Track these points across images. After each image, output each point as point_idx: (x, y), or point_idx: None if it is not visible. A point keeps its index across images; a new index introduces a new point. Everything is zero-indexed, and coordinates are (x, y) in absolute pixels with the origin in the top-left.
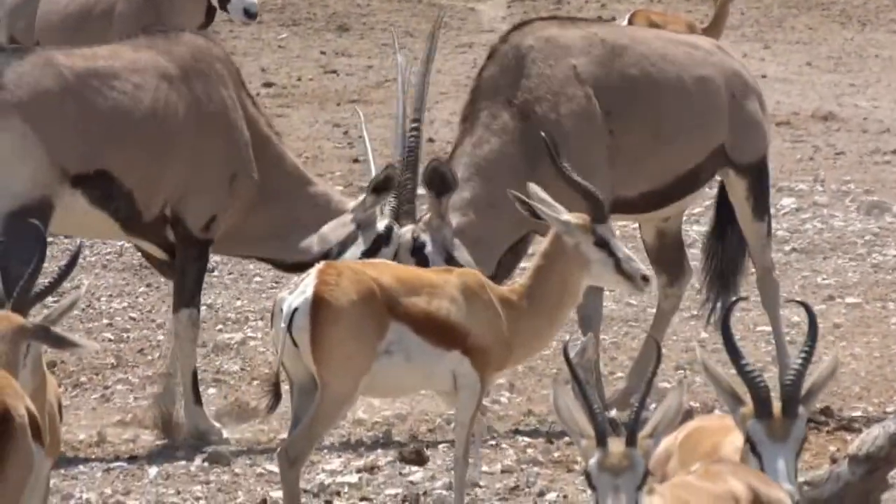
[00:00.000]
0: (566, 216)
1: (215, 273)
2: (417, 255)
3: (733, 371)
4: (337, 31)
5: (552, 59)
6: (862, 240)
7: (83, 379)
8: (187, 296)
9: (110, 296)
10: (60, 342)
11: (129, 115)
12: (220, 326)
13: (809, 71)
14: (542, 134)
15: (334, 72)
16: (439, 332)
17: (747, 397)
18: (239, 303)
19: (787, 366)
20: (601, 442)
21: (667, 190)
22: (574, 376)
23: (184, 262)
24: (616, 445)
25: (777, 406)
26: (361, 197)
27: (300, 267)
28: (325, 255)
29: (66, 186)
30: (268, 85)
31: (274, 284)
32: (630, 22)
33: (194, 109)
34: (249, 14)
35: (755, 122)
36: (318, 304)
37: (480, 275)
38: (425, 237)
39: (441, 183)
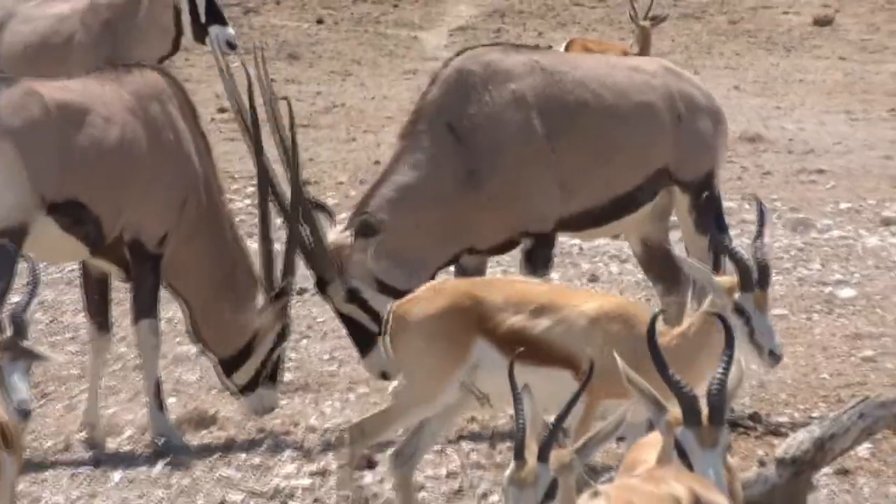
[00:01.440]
0: (716, 279)
1: None
2: (354, 299)
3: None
4: (287, 59)
5: (493, 84)
6: (788, 255)
7: (49, 389)
8: (146, 307)
9: (74, 310)
10: (28, 355)
11: (98, 147)
12: (178, 339)
13: (737, 95)
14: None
15: (284, 98)
16: (536, 353)
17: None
18: None
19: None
20: (518, 456)
21: (604, 209)
22: (515, 395)
23: (140, 277)
24: (530, 460)
25: (704, 414)
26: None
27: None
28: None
29: (41, 213)
30: (221, 111)
31: None
32: (566, 49)
33: (152, 140)
34: (231, 45)
35: (701, 142)
36: (396, 317)
37: (633, 308)
38: (355, 283)
39: (368, 230)
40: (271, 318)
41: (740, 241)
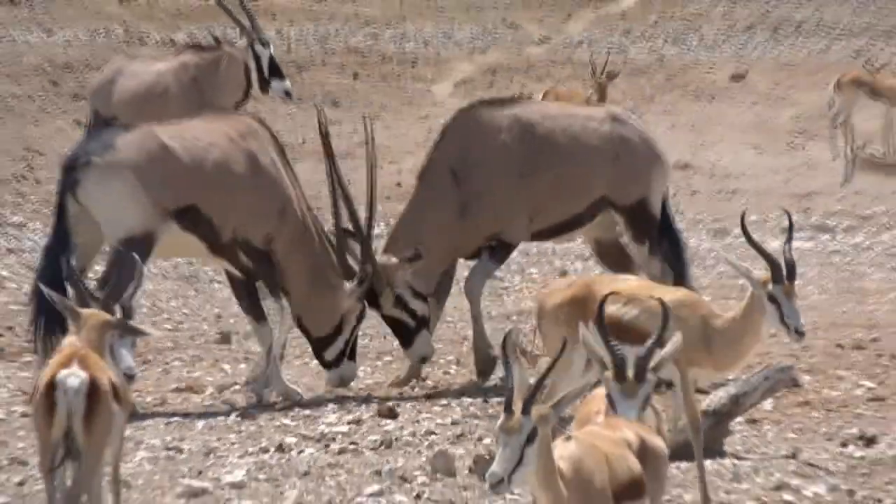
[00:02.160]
0: (755, 275)
1: None
2: (399, 304)
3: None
4: (331, 105)
5: (485, 137)
6: (711, 255)
7: (149, 357)
8: (270, 289)
9: (168, 298)
10: (133, 331)
11: (205, 164)
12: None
13: (672, 133)
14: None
15: (325, 134)
16: (624, 333)
17: None
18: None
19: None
20: (507, 409)
21: (557, 228)
22: (506, 361)
23: (260, 271)
24: (517, 413)
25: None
26: (350, 284)
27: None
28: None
29: (165, 221)
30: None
31: None
32: (543, 97)
33: (249, 163)
34: (288, 94)
35: (634, 175)
36: (538, 303)
37: (699, 299)
38: (399, 292)
39: (418, 258)
40: (353, 301)
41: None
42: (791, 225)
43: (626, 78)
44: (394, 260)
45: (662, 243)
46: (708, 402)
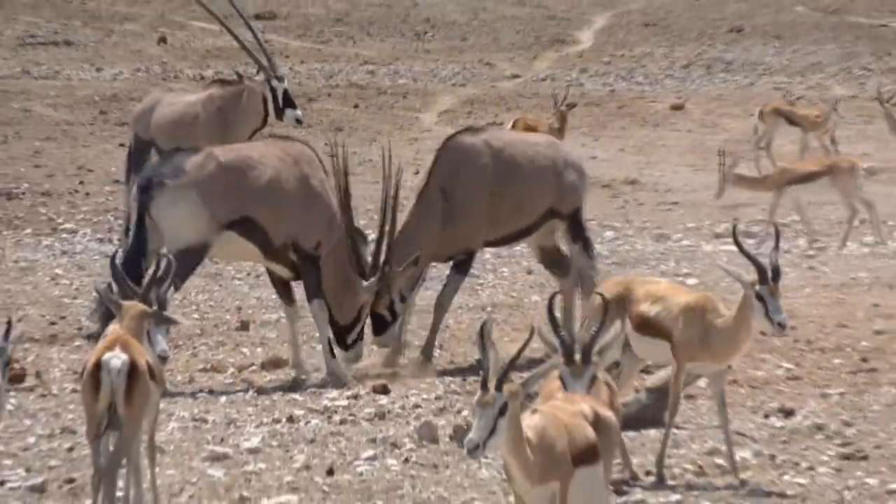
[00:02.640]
0: (745, 278)
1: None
2: (390, 307)
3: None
4: (334, 130)
5: (469, 160)
6: (654, 258)
7: (180, 343)
8: (314, 290)
9: (196, 292)
10: (168, 320)
11: (259, 182)
12: (263, 311)
13: (622, 154)
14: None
15: (333, 156)
16: (646, 327)
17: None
18: (275, 295)
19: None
20: (482, 386)
21: (514, 235)
22: (482, 346)
23: (306, 271)
24: (491, 389)
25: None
26: (367, 282)
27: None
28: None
29: (222, 231)
30: None
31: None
32: (513, 125)
33: (301, 181)
34: (299, 121)
35: (572, 188)
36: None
37: (712, 300)
38: (394, 295)
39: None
40: (368, 295)
41: (623, 248)
42: (777, 235)
43: (583, 108)
44: (397, 269)
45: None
46: (652, 379)
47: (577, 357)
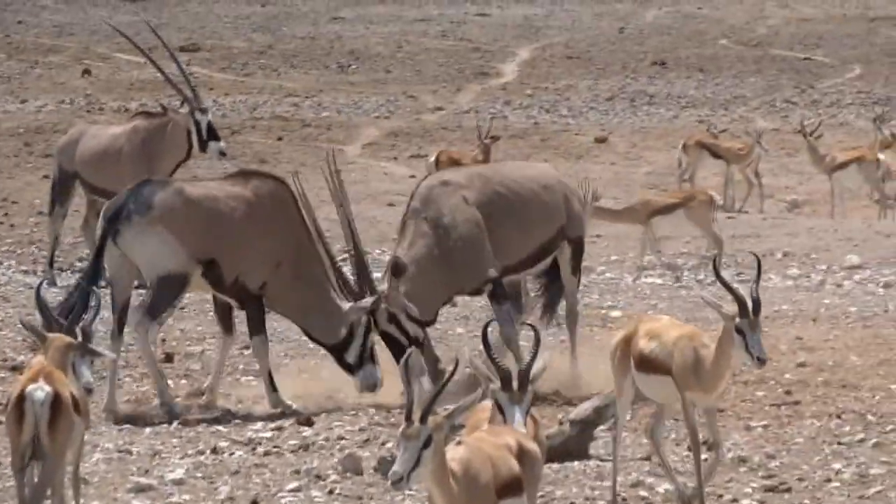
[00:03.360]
0: (725, 310)
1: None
2: (393, 321)
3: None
4: (258, 163)
5: (449, 193)
6: (579, 291)
7: (104, 374)
8: (256, 327)
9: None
10: (93, 353)
11: (225, 224)
12: (187, 342)
13: None
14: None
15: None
16: (646, 365)
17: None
18: (200, 328)
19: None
20: (407, 418)
21: (527, 260)
22: (406, 378)
23: (249, 307)
24: (415, 421)
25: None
26: (348, 305)
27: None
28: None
29: (196, 266)
30: None
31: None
32: (437, 158)
33: (255, 223)
34: (223, 154)
35: (578, 214)
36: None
37: (699, 333)
38: (394, 310)
39: (399, 270)
40: (360, 314)
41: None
42: (759, 267)
43: (507, 140)
44: (385, 284)
45: (552, 280)
46: (576, 412)
47: (515, 384)
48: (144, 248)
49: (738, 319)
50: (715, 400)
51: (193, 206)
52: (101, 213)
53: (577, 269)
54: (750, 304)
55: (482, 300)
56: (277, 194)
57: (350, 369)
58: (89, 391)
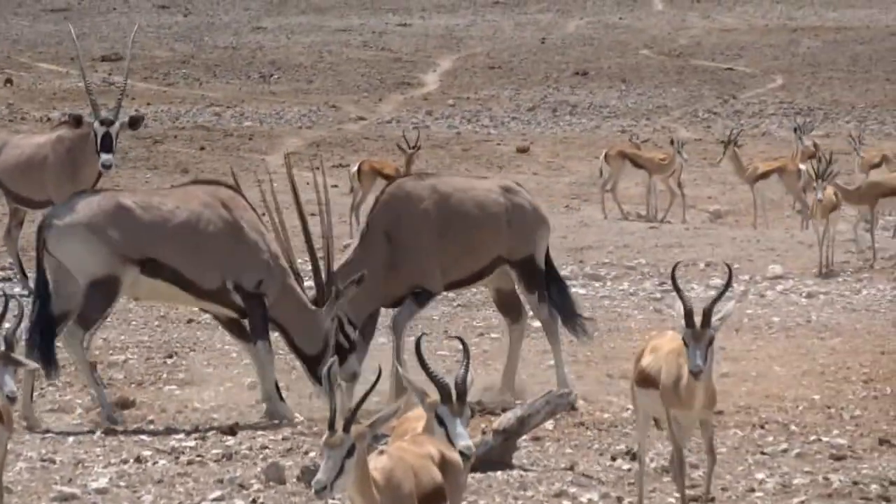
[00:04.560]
0: (680, 321)
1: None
2: (341, 328)
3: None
4: (181, 172)
5: (411, 205)
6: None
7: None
8: (260, 331)
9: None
10: (15, 362)
11: (169, 224)
12: (111, 351)
13: None
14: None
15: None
16: (643, 379)
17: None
18: (122, 337)
19: (561, 377)
20: (330, 427)
21: (466, 279)
22: (329, 387)
23: (252, 311)
24: (338, 430)
25: (455, 396)
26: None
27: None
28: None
29: (127, 267)
30: None
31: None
32: (359, 168)
33: (230, 224)
34: (105, 167)
35: (524, 235)
36: None
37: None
38: (339, 314)
39: (362, 280)
40: (329, 321)
41: (470, 290)
42: (730, 278)
43: (429, 150)
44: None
45: (550, 290)
46: (498, 422)
47: (454, 397)
48: (69, 251)
49: (683, 330)
50: (699, 415)
51: (124, 207)
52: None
53: (532, 287)
54: (700, 315)
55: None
56: (234, 199)
57: (318, 380)
58: (12, 400)
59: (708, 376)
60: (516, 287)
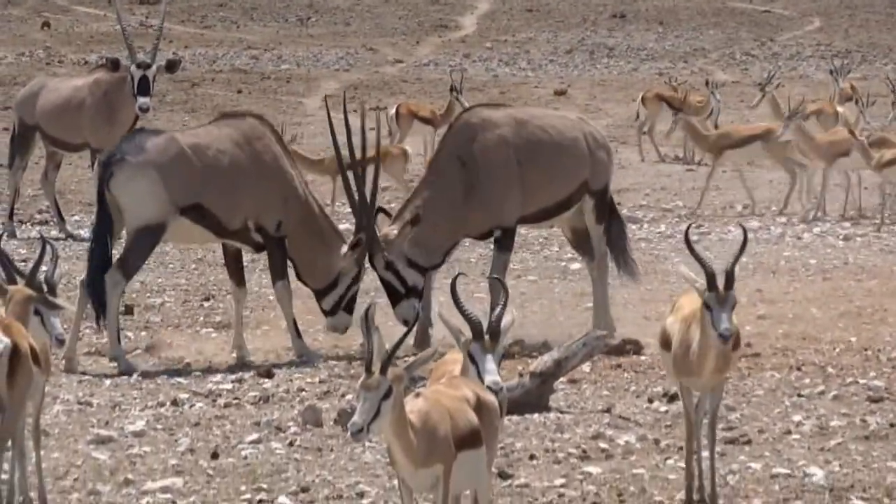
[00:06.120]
0: (699, 285)
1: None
2: (390, 268)
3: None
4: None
5: (487, 130)
6: (537, 241)
7: (65, 326)
8: (279, 272)
9: (80, 276)
10: (52, 305)
11: (214, 169)
12: (148, 294)
13: None
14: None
15: (355, 111)
16: (663, 341)
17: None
18: (160, 280)
19: (601, 312)
20: (367, 370)
21: (552, 209)
22: (366, 330)
23: (271, 252)
24: (375, 373)
25: (487, 335)
26: (346, 249)
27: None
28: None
29: (175, 214)
30: None
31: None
32: (397, 111)
33: (256, 163)
34: (143, 110)
35: (603, 164)
36: None
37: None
38: (391, 257)
39: (415, 221)
40: (349, 262)
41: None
42: (745, 240)
43: (467, 93)
44: (394, 230)
45: (610, 223)
46: (535, 364)
47: (486, 335)
48: (134, 191)
49: (706, 293)
50: (709, 383)
51: (185, 153)
52: (97, 161)
53: (601, 219)
54: (722, 278)
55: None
56: (258, 131)
57: (325, 313)
58: (61, 342)
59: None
60: (587, 218)
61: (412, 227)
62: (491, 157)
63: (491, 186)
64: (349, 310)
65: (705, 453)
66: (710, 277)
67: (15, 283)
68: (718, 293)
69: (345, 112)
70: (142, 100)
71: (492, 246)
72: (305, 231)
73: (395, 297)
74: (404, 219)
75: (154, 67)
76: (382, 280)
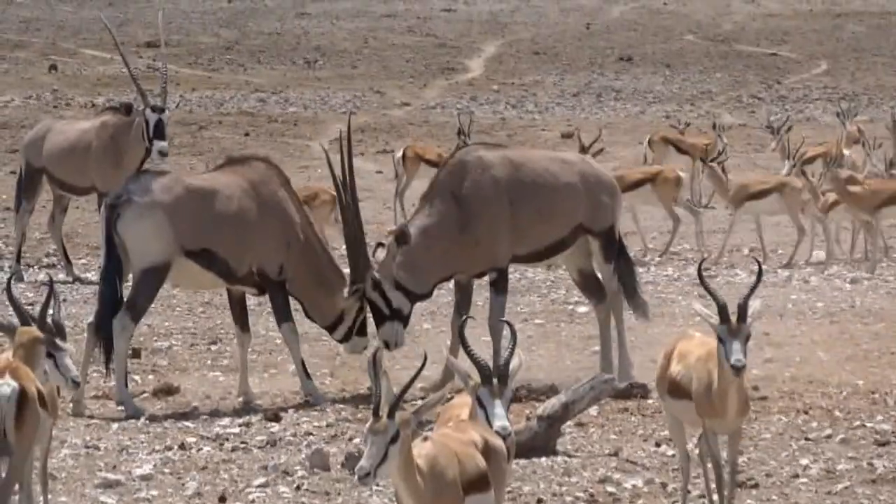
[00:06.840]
0: (713, 321)
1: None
2: (377, 288)
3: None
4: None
5: (481, 170)
6: (545, 284)
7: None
8: (283, 314)
9: (87, 318)
10: (59, 347)
11: (222, 215)
12: (155, 338)
13: None
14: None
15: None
16: (674, 389)
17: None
18: (167, 323)
19: (624, 348)
20: (374, 413)
21: (543, 252)
22: (374, 373)
23: (273, 296)
24: (383, 417)
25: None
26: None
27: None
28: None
29: (181, 256)
30: None
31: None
32: (403, 154)
33: (261, 209)
34: (163, 154)
35: (603, 206)
36: None
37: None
38: (380, 277)
39: (403, 238)
40: (351, 301)
41: (514, 276)
42: (760, 272)
43: (474, 135)
44: (383, 253)
45: (619, 263)
46: (543, 408)
47: (495, 379)
48: (139, 231)
49: (718, 326)
50: (734, 423)
51: (191, 195)
52: (104, 203)
53: (609, 259)
54: (736, 310)
55: (448, 296)
56: (265, 176)
57: (339, 341)
58: (76, 384)
59: (742, 376)
60: (594, 258)
61: (399, 245)
62: (482, 196)
63: (482, 225)
64: (362, 332)
65: (715, 497)
66: (723, 310)
67: (28, 325)
68: (731, 325)
69: (341, 151)
70: (160, 144)
71: None
72: (307, 273)
73: (379, 318)
74: (392, 235)
75: (167, 111)
76: (368, 300)
